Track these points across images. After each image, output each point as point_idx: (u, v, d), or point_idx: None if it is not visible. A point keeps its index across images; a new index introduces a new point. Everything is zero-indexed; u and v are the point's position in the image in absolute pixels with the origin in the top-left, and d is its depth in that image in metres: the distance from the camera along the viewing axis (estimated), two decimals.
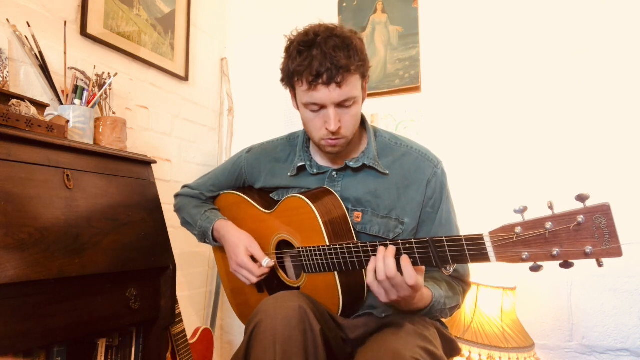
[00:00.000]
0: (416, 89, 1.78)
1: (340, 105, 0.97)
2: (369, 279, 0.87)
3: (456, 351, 1.07)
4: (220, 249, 1.28)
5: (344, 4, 1.95)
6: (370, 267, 0.87)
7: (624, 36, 1.47)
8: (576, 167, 1.50)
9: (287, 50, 1.00)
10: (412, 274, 0.82)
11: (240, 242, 1.13)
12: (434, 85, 1.76)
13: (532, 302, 1.52)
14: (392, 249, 0.85)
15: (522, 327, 1.37)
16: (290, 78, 1.00)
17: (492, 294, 1.38)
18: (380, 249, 0.86)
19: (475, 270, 1.32)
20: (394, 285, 0.84)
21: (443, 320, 1.09)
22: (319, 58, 0.92)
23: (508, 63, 1.63)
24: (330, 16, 1.94)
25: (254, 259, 1.11)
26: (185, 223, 1.32)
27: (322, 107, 0.98)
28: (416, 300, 0.91)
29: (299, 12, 2.08)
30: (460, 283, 1.08)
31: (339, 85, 0.94)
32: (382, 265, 0.84)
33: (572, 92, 1.53)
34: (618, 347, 1.43)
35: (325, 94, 0.95)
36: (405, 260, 0.83)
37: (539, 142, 1.56)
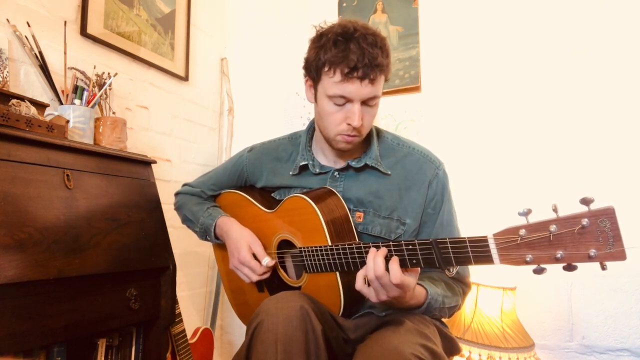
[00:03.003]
0: (416, 89, 1.78)
1: (365, 102, 0.98)
2: (358, 284, 0.88)
3: (456, 350, 1.07)
4: (220, 248, 1.28)
5: (344, 4, 1.95)
6: (360, 273, 0.88)
7: (626, 36, 1.47)
8: (580, 170, 1.50)
9: (318, 40, 0.99)
10: (397, 274, 0.83)
11: (242, 239, 1.13)
12: (434, 85, 1.76)
13: (532, 302, 1.52)
14: (383, 250, 0.86)
15: (522, 327, 1.37)
16: (319, 68, 0.99)
17: (492, 294, 1.38)
18: (372, 250, 0.87)
19: (475, 271, 1.32)
20: (382, 285, 0.85)
21: (443, 320, 1.09)
22: (356, 52, 0.92)
23: (509, 63, 1.63)
24: (330, 16, 1.94)
25: (255, 257, 1.11)
26: (186, 220, 1.31)
27: (348, 101, 0.98)
28: (407, 299, 0.91)
29: (299, 12, 2.08)
30: (459, 284, 1.08)
31: (372, 82, 0.94)
32: (371, 264, 0.85)
33: (576, 92, 1.53)
34: (618, 347, 1.43)
35: (357, 88, 0.95)
36: (393, 260, 0.84)
37: (542, 144, 1.56)
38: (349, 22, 0.98)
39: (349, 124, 0.99)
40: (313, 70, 1.01)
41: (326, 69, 0.97)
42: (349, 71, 0.93)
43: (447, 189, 1.10)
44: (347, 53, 0.93)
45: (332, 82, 0.97)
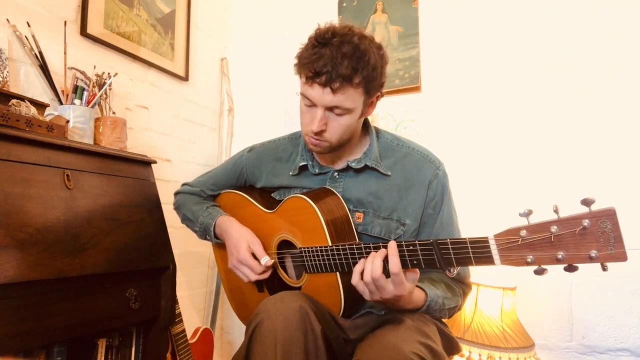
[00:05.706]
0: (416, 89, 1.78)
1: (330, 110, 0.98)
2: (354, 279, 0.89)
3: (456, 349, 1.07)
4: (220, 248, 1.28)
5: (344, 4, 1.95)
6: (356, 269, 0.89)
7: (626, 36, 1.47)
8: (581, 170, 1.49)
9: (308, 39, 1.01)
10: (396, 263, 0.83)
11: (242, 238, 1.13)
12: (434, 85, 1.76)
13: (532, 302, 1.52)
14: (382, 251, 0.86)
15: (522, 327, 1.37)
16: (298, 65, 1.01)
17: (492, 294, 1.38)
18: (372, 252, 0.88)
19: (475, 271, 1.31)
20: (377, 287, 0.86)
21: (443, 320, 1.09)
22: (325, 58, 0.92)
23: (509, 63, 1.63)
24: (330, 16, 1.94)
25: (255, 256, 1.11)
26: (185, 220, 1.31)
27: (313, 104, 0.99)
28: (403, 303, 0.91)
29: (298, 12, 2.08)
30: (459, 285, 1.08)
31: (334, 91, 0.94)
32: (369, 265, 0.86)
33: (577, 92, 1.53)
34: (618, 347, 1.43)
35: (318, 93, 0.95)
36: (391, 249, 0.85)
37: (543, 144, 1.56)
38: (336, 27, 0.98)
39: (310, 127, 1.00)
40: (296, 68, 1.03)
41: (300, 68, 0.99)
42: (312, 75, 0.94)
43: (447, 189, 1.10)
44: (317, 57, 0.93)
45: (301, 83, 1.00)
